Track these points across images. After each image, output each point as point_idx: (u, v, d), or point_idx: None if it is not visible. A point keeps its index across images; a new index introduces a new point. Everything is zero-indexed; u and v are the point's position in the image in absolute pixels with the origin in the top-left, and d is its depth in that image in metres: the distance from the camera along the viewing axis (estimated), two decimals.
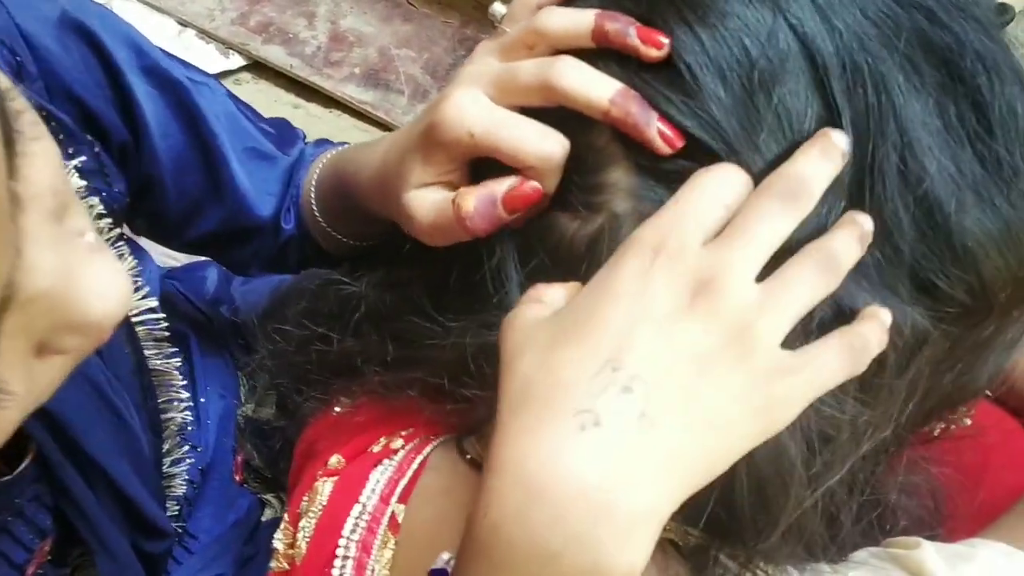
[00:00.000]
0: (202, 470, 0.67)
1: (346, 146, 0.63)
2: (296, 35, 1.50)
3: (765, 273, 0.34)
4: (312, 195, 0.62)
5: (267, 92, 1.47)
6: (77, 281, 0.32)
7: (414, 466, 0.47)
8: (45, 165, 0.31)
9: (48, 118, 0.50)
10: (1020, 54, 0.39)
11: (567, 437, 0.32)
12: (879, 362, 0.36)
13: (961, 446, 0.48)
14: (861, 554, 0.43)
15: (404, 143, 0.45)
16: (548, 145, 0.39)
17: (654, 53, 0.37)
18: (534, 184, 0.39)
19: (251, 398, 0.72)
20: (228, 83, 1.46)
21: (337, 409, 0.53)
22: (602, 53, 0.39)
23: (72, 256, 0.32)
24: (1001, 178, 0.37)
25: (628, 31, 0.37)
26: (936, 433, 0.47)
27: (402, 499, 0.46)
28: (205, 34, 1.49)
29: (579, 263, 0.39)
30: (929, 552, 0.41)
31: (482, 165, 0.41)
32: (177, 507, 0.64)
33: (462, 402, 0.44)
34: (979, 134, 0.37)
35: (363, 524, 0.46)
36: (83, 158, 0.52)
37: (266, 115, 0.68)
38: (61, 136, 0.51)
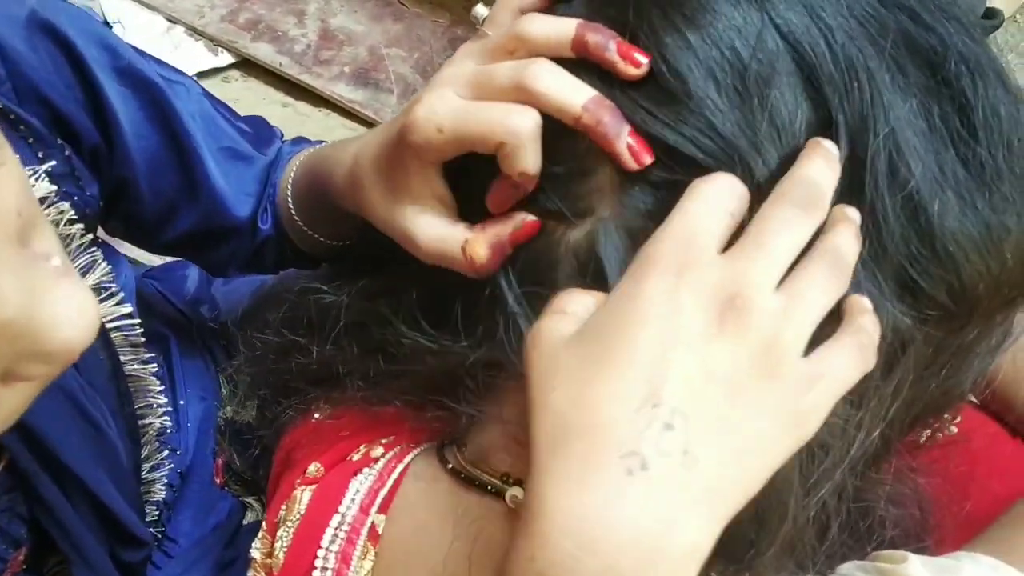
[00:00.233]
0: (182, 474, 0.66)
1: (322, 144, 0.63)
2: (286, 33, 1.49)
3: None
4: (288, 194, 0.61)
5: (256, 90, 1.46)
6: (42, 308, 0.30)
7: (395, 475, 0.46)
8: (10, 185, 0.30)
9: (17, 122, 0.49)
10: (1008, 59, 0.39)
11: (615, 484, 0.31)
12: None
13: (947, 455, 0.48)
14: (848, 567, 0.42)
15: (376, 148, 0.44)
16: (515, 119, 0.38)
17: (632, 71, 0.37)
18: (532, 219, 0.39)
19: (232, 400, 0.71)
20: (216, 81, 1.46)
21: (317, 415, 0.52)
22: (585, 62, 0.38)
23: (37, 282, 0.31)
24: (983, 181, 0.37)
25: (608, 45, 0.37)
26: (923, 441, 0.46)
27: (382, 509, 0.45)
28: (194, 31, 1.48)
29: (569, 269, 0.38)
30: (916, 566, 0.41)
31: (460, 173, 0.41)
32: (156, 512, 0.64)
33: (444, 411, 0.44)
34: (963, 136, 0.37)
35: (342, 534, 0.45)
36: (53, 162, 0.51)
37: (255, 113, 0.67)
38: (31, 140, 0.50)
